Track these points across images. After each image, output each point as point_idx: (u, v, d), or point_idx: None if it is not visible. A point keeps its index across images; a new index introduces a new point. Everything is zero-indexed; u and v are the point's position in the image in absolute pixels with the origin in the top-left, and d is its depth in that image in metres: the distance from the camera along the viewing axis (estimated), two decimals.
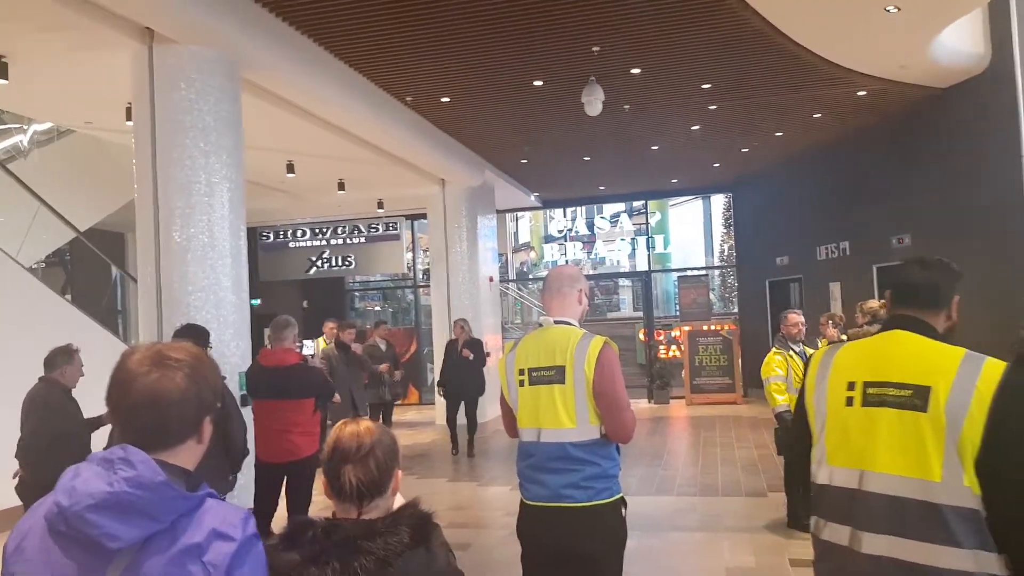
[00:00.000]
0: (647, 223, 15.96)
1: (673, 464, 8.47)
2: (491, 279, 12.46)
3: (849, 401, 1.91)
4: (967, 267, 8.01)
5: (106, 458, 1.30)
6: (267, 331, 6.43)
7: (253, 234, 13.20)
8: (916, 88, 8.70)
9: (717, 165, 12.89)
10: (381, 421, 8.53)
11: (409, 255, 15.41)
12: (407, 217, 14.10)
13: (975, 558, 1.71)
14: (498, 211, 13.76)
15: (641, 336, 15.46)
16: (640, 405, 13.15)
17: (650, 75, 7.92)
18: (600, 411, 2.70)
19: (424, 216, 12.88)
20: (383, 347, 9.50)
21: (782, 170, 13.01)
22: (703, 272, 17.13)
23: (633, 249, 16.16)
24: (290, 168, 10.20)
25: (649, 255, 15.80)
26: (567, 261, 16.19)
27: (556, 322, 2.84)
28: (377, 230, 13.89)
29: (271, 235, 14.30)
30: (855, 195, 10.97)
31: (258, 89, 6.52)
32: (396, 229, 13.83)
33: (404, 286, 16.26)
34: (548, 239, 17.37)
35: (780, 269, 13.17)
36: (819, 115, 9.81)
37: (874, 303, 6.00)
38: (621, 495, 2.75)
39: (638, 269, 16.55)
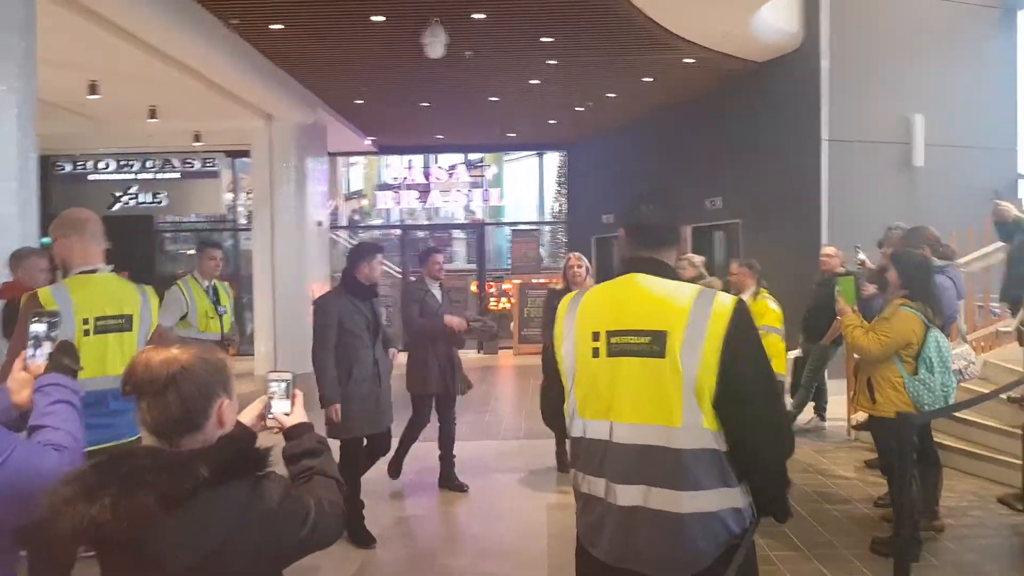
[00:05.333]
0: (483, 176, 16.01)
1: (499, 410, 8.69)
2: (319, 223, 11.99)
3: (595, 352, 1.85)
4: (771, 228, 8.74)
5: None
6: None
7: (46, 163, 11.75)
8: (736, 60, 9.28)
9: (553, 122, 13.13)
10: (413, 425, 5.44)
11: (230, 196, 14.45)
12: (228, 154, 13.14)
13: (717, 496, 1.75)
14: (330, 154, 13.21)
15: (473, 288, 15.62)
16: (469, 355, 13.32)
17: (493, 21, 7.84)
18: None
19: (247, 154, 12.08)
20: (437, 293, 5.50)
21: (613, 131, 13.52)
22: (535, 227, 17.52)
23: (469, 201, 16.19)
24: (92, 89, 9.14)
25: (484, 208, 15.89)
26: (401, 210, 15.93)
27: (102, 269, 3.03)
28: (193, 166, 12.84)
29: (68, 165, 12.81)
30: (677, 159, 11.61)
31: None
32: (214, 166, 12.87)
33: (223, 229, 15.24)
34: (382, 187, 16.94)
35: (605, 226, 13.75)
36: (649, 79, 10.23)
37: (697, 257, 6.43)
38: None
39: (473, 221, 16.65)
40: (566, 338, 1.94)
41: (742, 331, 1.76)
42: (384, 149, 15.53)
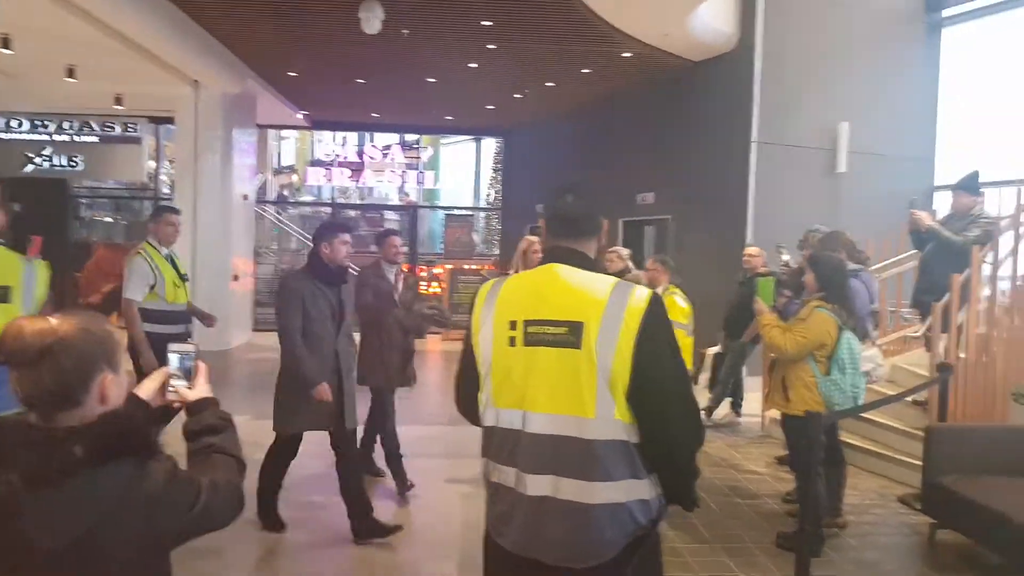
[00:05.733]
0: (419, 158, 15.83)
1: (424, 395, 8.59)
2: (245, 196, 11.60)
3: (512, 341, 1.85)
4: (699, 225, 8.85)
5: None
6: None
7: None
8: (673, 57, 9.37)
9: (491, 107, 13.03)
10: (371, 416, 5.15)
11: (152, 163, 13.86)
12: (151, 119, 12.56)
13: (626, 487, 1.77)
14: (260, 125, 12.80)
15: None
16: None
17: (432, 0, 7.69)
18: None
19: (172, 121, 11.58)
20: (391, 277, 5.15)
21: (550, 120, 13.52)
22: (470, 213, 17.44)
23: (403, 183, 15.98)
24: (4, 43, 8.58)
25: (419, 190, 15.73)
26: (332, 188, 15.61)
27: None
28: (113, 130, 12.22)
29: None
30: (612, 151, 11.69)
31: None
32: (136, 131, 12.29)
33: (143, 197, 14.64)
34: (314, 163, 16.55)
35: (538, 216, 13.79)
36: (587, 70, 10.23)
37: (624, 251, 6.47)
38: None
39: (407, 203, 16.48)
40: (483, 326, 1.92)
41: (657, 324, 1.78)
42: (317, 124, 15.17)
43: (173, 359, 1.69)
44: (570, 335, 1.78)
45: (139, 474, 1.38)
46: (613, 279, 1.87)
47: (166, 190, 14.21)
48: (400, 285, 5.17)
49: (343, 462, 4.26)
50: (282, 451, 4.31)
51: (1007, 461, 4.20)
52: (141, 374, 4.64)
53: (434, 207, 17.77)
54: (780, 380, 4.34)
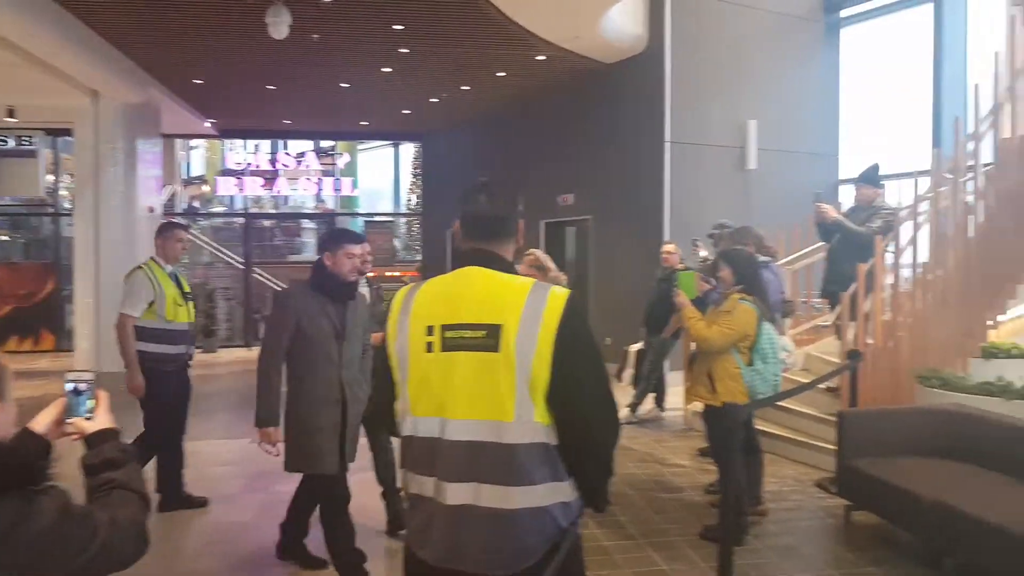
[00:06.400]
0: (335, 164, 15.52)
1: None
2: (151, 209, 11.12)
3: (429, 347, 1.80)
4: (619, 225, 8.97)
5: None
6: None
7: None
8: (586, 60, 9.48)
9: (407, 112, 12.89)
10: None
11: (50, 177, 13.14)
12: (48, 132, 11.96)
13: (548, 491, 1.74)
14: (165, 135, 12.31)
15: None
16: None
17: (341, 5, 7.53)
18: None
19: (70, 132, 11.03)
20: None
21: (468, 124, 13.48)
22: (390, 219, 17.21)
23: (319, 190, 15.65)
24: None
25: (336, 197, 15.42)
26: (245, 197, 15.14)
27: None
28: (6, 144, 11.57)
29: None
30: (530, 154, 11.74)
31: None
32: (31, 144, 11.65)
33: (42, 213, 13.87)
34: (226, 172, 15.99)
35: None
36: (502, 74, 10.24)
37: (540, 252, 6.47)
38: None
39: (323, 211, 16.13)
40: (399, 333, 1.86)
41: (575, 321, 1.76)
42: (225, 133, 14.71)
43: (69, 388, 1.56)
44: (488, 338, 1.74)
45: (26, 510, 1.27)
46: (530, 280, 1.84)
47: (67, 205, 13.49)
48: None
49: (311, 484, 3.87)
50: (306, 497, 3.83)
51: (915, 442, 4.38)
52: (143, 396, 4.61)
53: (353, 214, 17.47)
54: (705, 372, 4.40)
